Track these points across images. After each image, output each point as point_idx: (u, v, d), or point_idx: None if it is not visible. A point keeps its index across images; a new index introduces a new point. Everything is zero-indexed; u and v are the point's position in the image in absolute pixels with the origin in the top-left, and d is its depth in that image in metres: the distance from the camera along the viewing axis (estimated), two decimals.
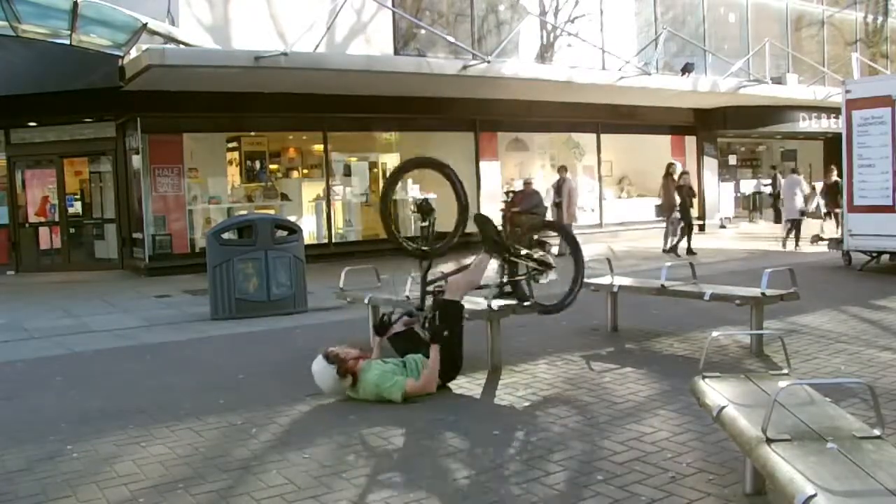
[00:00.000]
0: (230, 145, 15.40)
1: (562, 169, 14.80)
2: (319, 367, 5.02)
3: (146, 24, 11.35)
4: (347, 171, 16.09)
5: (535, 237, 13.57)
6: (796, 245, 14.19)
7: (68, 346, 7.47)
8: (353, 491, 3.56)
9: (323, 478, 3.74)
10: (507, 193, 15.58)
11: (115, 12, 11.25)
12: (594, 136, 18.45)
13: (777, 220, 15.89)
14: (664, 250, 14.07)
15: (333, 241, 15.09)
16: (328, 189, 15.10)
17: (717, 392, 3.44)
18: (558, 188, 14.56)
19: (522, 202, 14.29)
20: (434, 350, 5.08)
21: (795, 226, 14.48)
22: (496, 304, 5.81)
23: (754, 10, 20.56)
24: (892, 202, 10.66)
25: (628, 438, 4.15)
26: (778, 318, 7.18)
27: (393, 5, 14.78)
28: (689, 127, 19.74)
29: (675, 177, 14.32)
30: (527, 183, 14.73)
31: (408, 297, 6.46)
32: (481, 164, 16.58)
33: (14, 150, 14.22)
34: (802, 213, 14.80)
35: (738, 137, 21.85)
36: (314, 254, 12.34)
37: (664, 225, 14.69)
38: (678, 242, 14.07)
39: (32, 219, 14.47)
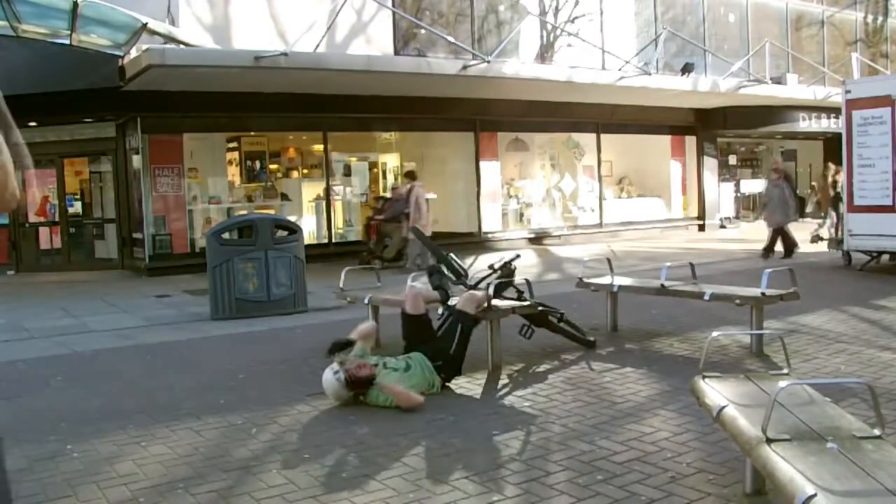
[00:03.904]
0: (230, 145, 15.40)
1: (409, 175, 13.58)
2: (332, 382, 4.94)
3: (146, 24, 11.34)
4: (347, 171, 16.10)
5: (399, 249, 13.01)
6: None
7: (68, 346, 7.47)
8: (353, 491, 3.56)
9: (323, 478, 3.74)
10: (377, 199, 14.95)
11: (115, 12, 11.24)
12: (594, 136, 18.45)
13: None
14: (824, 239, 14.64)
15: (333, 241, 15.10)
16: (328, 189, 15.10)
17: (717, 392, 3.44)
18: (406, 197, 13.03)
19: (391, 209, 13.41)
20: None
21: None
22: (496, 304, 5.83)
23: (754, 10, 20.56)
24: (892, 202, 10.66)
25: (628, 438, 4.15)
26: (778, 318, 7.18)
27: (393, 5, 14.78)
28: (689, 127, 19.74)
29: (830, 177, 15.09)
30: (394, 188, 13.87)
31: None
32: (481, 164, 16.58)
33: (14, 150, 14.19)
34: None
35: (738, 137, 21.85)
36: (314, 254, 12.35)
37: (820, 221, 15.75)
38: (838, 232, 14.61)
39: (32, 219, 14.46)
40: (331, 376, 4.92)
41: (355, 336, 5.22)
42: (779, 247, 13.14)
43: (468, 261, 12.72)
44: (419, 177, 16.91)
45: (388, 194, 14.53)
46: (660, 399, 4.90)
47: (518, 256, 6.57)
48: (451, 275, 6.56)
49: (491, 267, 6.32)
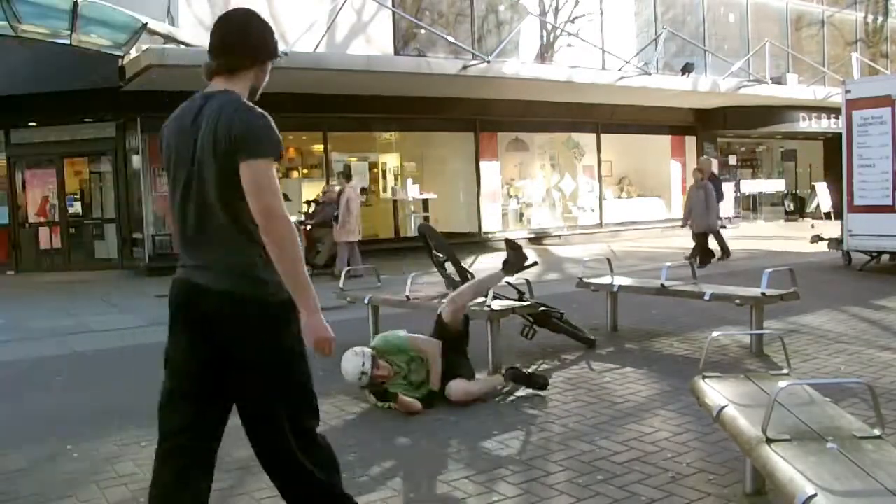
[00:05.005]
0: None
1: (343, 176, 12.68)
2: (353, 373, 4.76)
3: (146, 24, 11.33)
4: (347, 171, 16.09)
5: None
6: None
7: (69, 346, 7.47)
8: (353, 491, 3.53)
9: None
10: (308, 203, 14.28)
11: (115, 12, 11.23)
12: (594, 136, 18.46)
13: None
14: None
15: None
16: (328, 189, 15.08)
17: (717, 392, 3.44)
18: (337, 199, 12.32)
19: (322, 213, 12.78)
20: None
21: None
22: (497, 304, 5.83)
23: (754, 10, 20.57)
24: (892, 202, 10.66)
25: (628, 438, 4.15)
26: (778, 318, 7.18)
27: (393, 5, 14.78)
28: (689, 127, 19.74)
29: None
30: (325, 191, 13.21)
31: (408, 297, 6.47)
32: (481, 164, 16.59)
33: (14, 150, 14.22)
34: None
35: (738, 137, 21.86)
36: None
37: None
38: None
39: (32, 219, 14.47)
40: (356, 367, 4.73)
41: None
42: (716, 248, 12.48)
43: (468, 260, 12.73)
44: (418, 177, 16.87)
45: (321, 196, 13.63)
46: (660, 399, 4.90)
47: (536, 264, 6.55)
48: (457, 276, 6.57)
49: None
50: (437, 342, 5.09)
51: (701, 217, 12.23)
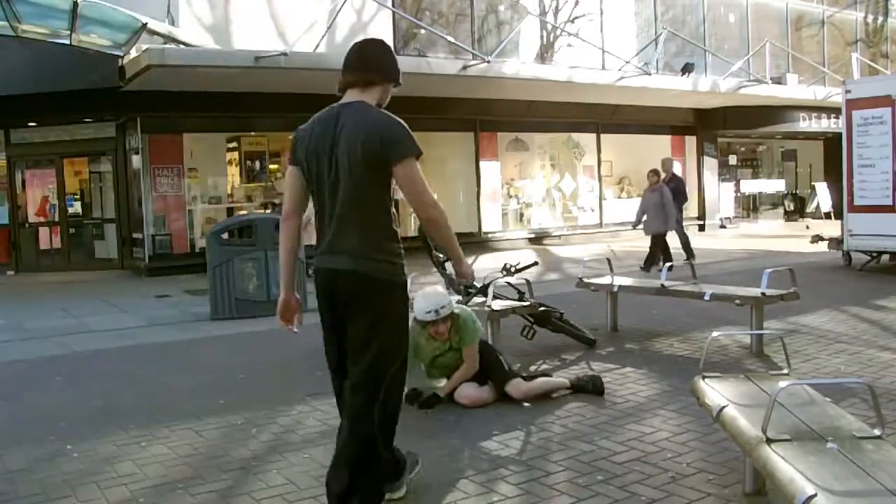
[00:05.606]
0: (230, 145, 15.39)
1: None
2: (431, 303, 4.69)
3: (146, 24, 11.34)
4: None
5: None
6: None
7: (68, 346, 7.47)
8: None
9: (323, 478, 3.73)
10: (266, 206, 14.27)
11: (115, 12, 11.24)
12: (594, 136, 18.45)
13: None
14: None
15: None
16: None
17: (717, 392, 3.44)
18: None
19: None
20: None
21: None
22: (497, 304, 5.83)
23: (754, 10, 20.57)
24: (892, 202, 10.66)
25: (628, 438, 4.15)
26: (778, 318, 7.18)
27: (393, 5, 14.78)
28: (689, 127, 19.73)
29: None
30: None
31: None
32: (481, 164, 16.58)
33: (14, 150, 14.21)
34: None
35: (738, 137, 21.85)
36: (314, 254, 12.32)
37: None
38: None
39: (32, 219, 14.47)
40: (437, 302, 4.69)
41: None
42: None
43: (468, 261, 12.66)
44: None
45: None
46: (660, 399, 4.90)
47: (536, 264, 6.53)
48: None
49: (505, 268, 6.29)
50: (476, 369, 4.97)
51: (655, 222, 11.61)
